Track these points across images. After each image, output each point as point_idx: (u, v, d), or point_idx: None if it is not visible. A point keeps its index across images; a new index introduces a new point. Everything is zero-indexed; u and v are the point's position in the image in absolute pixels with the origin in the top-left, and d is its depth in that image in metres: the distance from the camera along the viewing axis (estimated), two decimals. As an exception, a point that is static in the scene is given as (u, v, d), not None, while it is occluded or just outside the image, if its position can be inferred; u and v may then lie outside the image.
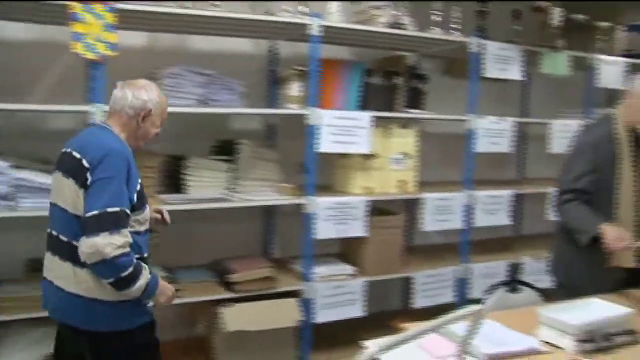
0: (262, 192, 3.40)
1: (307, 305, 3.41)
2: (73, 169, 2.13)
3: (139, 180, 2.21)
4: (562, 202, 2.83)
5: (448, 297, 3.90)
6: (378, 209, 3.70)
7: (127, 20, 2.94)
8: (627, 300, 2.56)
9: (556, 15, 4.10)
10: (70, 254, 2.12)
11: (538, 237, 4.49)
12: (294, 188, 3.44)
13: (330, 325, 3.53)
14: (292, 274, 3.55)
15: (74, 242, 2.09)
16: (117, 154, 2.12)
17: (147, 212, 2.29)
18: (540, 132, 4.30)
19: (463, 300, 3.90)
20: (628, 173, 2.75)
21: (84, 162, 2.10)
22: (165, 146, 3.24)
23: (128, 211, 2.10)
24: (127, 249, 2.06)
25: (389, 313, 4.07)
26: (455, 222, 3.82)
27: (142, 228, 2.23)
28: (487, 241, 4.43)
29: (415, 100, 3.96)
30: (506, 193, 4.01)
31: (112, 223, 2.02)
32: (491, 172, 4.59)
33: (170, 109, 2.42)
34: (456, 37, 3.74)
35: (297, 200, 3.38)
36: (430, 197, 3.71)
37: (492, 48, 3.78)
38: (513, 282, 2.95)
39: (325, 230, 3.41)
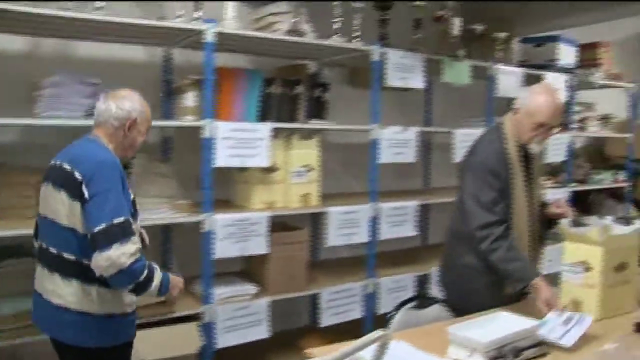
0: (157, 209, 3.16)
1: (208, 330, 3.19)
2: (64, 182, 2.16)
3: (130, 191, 2.26)
4: (495, 238, 2.62)
5: (356, 313, 3.78)
6: (281, 224, 3.54)
7: (2, 22, 2.66)
8: (528, 309, 2.53)
9: (456, 25, 4.10)
10: (59, 267, 2.18)
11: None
12: (191, 205, 3.22)
13: (234, 349, 3.32)
14: (192, 297, 3.31)
15: (64, 254, 2.16)
16: (109, 165, 2.16)
17: (138, 224, 2.33)
18: (444, 141, 4.28)
19: (372, 315, 3.80)
20: (521, 192, 2.72)
21: (76, 175, 2.13)
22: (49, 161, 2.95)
23: (131, 219, 2.14)
24: (139, 255, 2.11)
25: (296, 331, 3.93)
26: (361, 236, 3.70)
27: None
28: (395, 253, 4.36)
29: (317, 110, 3.83)
30: (412, 204, 3.93)
31: (121, 233, 2.06)
32: (397, 183, 4.54)
33: (52, 122, 2.18)
34: (357, 45, 3.63)
35: (194, 218, 3.16)
36: (335, 211, 3.57)
37: (394, 56, 3.71)
38: (420, 298, 2.84)
39: (224, 248, 3.20)
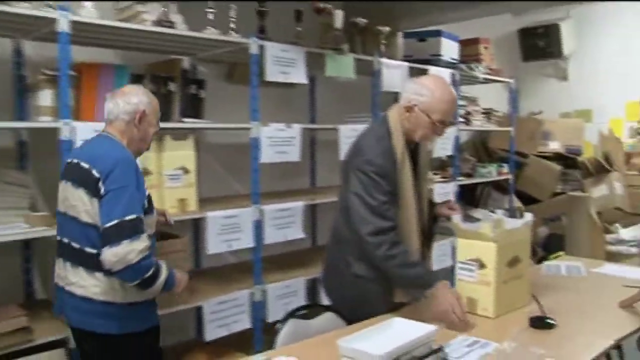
0: (11, 223, 2.80)
1: (77, 357, 2.85)
2: (83, 179, 2.27)
3: (145, 185, 2.35)
4: (390, 244, 2.43)
5: (244, 323, 3.53)
6: (156, 233, 3.24)
7: None
8: (422, 313, 2.40)
9: (338, 17, 3.96)
10: (82, 260, 2.30)
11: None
12: (50, 217, 2.87)
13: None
14: (57, 320, 2.95)
15: (86, 249, 2.28)
16: (126, 162, 2.28)
17: (155, 215, 2.48)
18: (330, 138, 4.13)
19: (261, 325, 3.58)
20: (409, 190, 2.58)
21: (94, 172, 2.24)
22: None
23: (142, 217, 2.24)
24: (148, 252, 2.21)
25: (185, 344, 3.66)
26: (245, 241, 3.46)
27: (150, 231, 2.38)
28: (283, 257, 4.18)
29: (193, 108, 3.57)
30: (298, 205, 3.74)
31: (132, 230, 2.16)
32: (283, 183, 4.36)
33: None
34: (234, 38, 3.40)
35: (52, 232, 2.80)
36: (214, 216, 3.32)
37: (273, 50, 3.51)
38: (309, 307, 2.65)
39: (92, 263, 2.88)
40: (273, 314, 3.59)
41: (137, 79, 3.23)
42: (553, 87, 7.22)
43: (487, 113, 5.54)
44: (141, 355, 2.39)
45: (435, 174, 5.00)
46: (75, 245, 2.31)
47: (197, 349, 3.58)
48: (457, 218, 2.68)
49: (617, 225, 5.72)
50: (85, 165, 2.28)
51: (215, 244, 3.33)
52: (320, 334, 2.41)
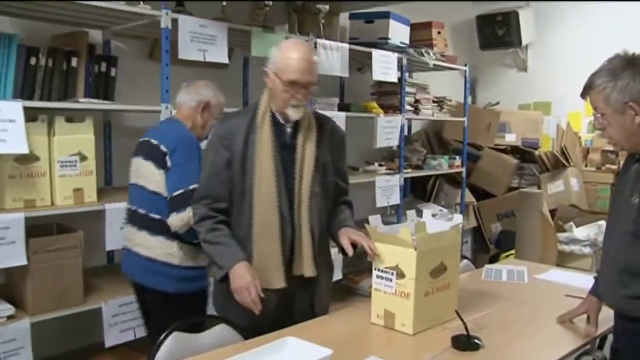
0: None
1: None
2: (152, 154, 2.64)
3: None
4: (198, 218, 2.33)
5: (152, 327, 3.18)
6: (45, 228, 2.87)
7: None
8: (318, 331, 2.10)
9: (271, -7, 3.61)
10: (146, 224, 2.66)
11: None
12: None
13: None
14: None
15: (151, 214, 2.64)
16: (189, 140, 2.66)
17: None
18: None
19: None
20: (268, 167, 2.27)
21: (162, 147, 2.61)
22: None
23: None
24: None
25: (88, 349, 3.29)
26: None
27: None
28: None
29: (101, 87, 3.21)
30: None
31: (192, 198, 2.39)
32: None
33: None
34: (140, 9, 3.01)
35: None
36: (116, 208, 2.94)
37: (190, 24, 3.12)
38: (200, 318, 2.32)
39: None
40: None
41: (30, 52, 2.85)
42: (512, 77, 6.96)
43: (439, 102, 5.23)
44: (189, 312, 2.45)
45: (380, 165, 4.69)
46: (142, 211, 2.67)
47: (97, 355, 3.21)
48: (374, 219, 2.38)
49: (571, 223, 5.48)
50: (154, 141, 2.66)
51: (115, 239, 2.96)
52: (210, 350, 2.08)
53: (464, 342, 2.12)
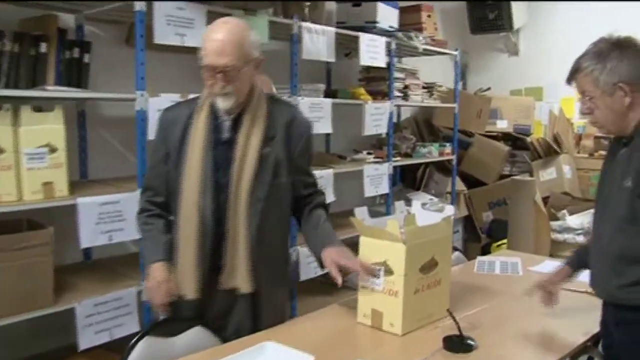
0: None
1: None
2: None
3: None
4: (138, 209, 2.29)
5: (131, 326, 3.00)
6: (16, 224, 2.71)
7: None
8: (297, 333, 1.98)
9: (254, -26, 3.43)
10: None
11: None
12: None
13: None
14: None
15: None
16: None
17: None
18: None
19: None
20: (195, 166, 2.08)
21: None
22: None
23: None
24: None
25: (60, 351, 3.13)
26: (129, 232, 2.91)
27: None
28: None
29: (74, 75, 3.04)
30: None
31: None
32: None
33: None
34: (114, -10, 2.85)
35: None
36: (89, 202, 2.78)
37: (165, 7, 2.95)
38: (173, 321, 2.15)
39: None
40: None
41: (-4, 37, 2.69)
42: (503, 62, 6.81)
43: (429, 88, 5.08)
44: None
45: (368, 153, 4.54)
46: None
47: (79, 356, 3.06)
48: (361, 211, 2.25)
49: (564, 211, 5.36)
50: None
51: (90, 236, 2.80)
52: (185, 355, 1.95)
53: (457, 343, 2.00)
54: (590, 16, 5.92)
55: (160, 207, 2.21)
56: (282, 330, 2.11)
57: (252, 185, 2.07)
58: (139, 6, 2.86)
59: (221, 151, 2.09)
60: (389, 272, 2.10)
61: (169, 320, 2.13)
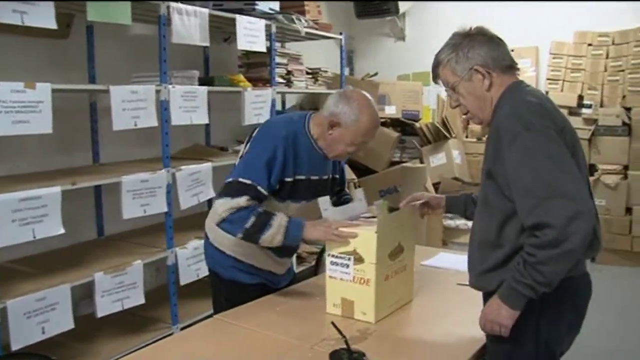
0: None
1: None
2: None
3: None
4: None
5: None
6: None
7: None
8: None
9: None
10: None
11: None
12: None
13: None
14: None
15: None
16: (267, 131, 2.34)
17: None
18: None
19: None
20: None
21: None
22: None
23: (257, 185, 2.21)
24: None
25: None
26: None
27: None
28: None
29: None
30: (53, 191, 2.74)
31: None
32: (47, 161, 3.40)
33: None
34: None
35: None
36: None
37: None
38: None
39: None
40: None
41: None
42: (390, 47, 6.71)
43: (314, 74, 4.84)
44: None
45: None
46: None
47: None
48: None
49: (455, 197, 5.30)
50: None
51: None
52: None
53: (345, 358, 1.75)
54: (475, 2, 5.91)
55: None
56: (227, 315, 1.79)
57: None
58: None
59: None
60: (359, 260, 2.08)
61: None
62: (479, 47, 1.88)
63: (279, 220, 2.15)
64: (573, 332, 1.86)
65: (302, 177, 2.33)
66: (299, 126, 2.33)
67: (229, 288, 2.46)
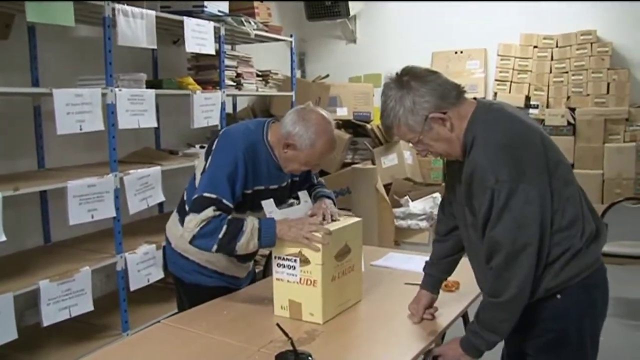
0: None
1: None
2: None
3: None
4: None
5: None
6: None
7: None
8: None
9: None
10: None
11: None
12: None
13: None
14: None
15: None
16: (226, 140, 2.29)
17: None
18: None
19: None
20: None
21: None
22: None
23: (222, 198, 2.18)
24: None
25: None
26: None
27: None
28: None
29: None
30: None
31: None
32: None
33: None
34: None
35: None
36: None
37: None
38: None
39: None
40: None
41: None
42: (341, 49, 6.75)
43: (264, 76, 4.82)
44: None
45: (202, 147, 4.21)
46: None
47: None
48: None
49: (407, 197, 5.36)
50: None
51: None
52: None
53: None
54: (421, 3, 5.98)
55: None
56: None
57: None
58: None
59: None
60: (304, 262, 2.08)
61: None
62: (421, 94, 1.78)
63: (251, 224, 2.13)
64: (603, 320, 1.90)
65: (262, 188, 2.31)
66: (257, 136, 2.29)
67: (193, 292, 2.45)
